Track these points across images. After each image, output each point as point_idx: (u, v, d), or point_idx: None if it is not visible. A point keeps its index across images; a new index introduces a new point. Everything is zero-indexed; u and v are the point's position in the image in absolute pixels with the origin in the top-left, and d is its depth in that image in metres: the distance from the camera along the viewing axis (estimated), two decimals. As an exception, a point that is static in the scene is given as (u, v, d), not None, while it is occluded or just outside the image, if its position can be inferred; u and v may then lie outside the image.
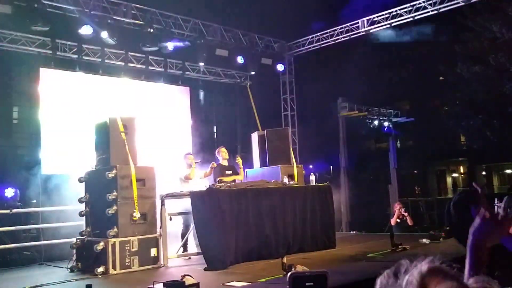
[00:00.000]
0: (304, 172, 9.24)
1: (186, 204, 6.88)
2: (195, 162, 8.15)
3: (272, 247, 7.00)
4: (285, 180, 7.88)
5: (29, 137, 12.82)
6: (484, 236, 1.28)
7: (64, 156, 10.30)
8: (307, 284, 0.97)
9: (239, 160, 8.52)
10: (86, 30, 9.89)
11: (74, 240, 6.98)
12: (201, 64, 12.25)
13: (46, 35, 10.27)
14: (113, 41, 10.34)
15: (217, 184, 7.06)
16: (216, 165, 8.20)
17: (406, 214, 10.44)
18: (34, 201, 10.03)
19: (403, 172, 18.25)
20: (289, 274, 0.98)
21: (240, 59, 12.51)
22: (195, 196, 6.65)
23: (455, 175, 25.83)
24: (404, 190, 16.86)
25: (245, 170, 8.90)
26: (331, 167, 17.74)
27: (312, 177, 8.39)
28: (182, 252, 7.35)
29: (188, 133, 12.53)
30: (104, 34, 10.23)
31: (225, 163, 8.40)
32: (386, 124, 16.42)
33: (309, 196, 7.74)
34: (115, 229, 6.38)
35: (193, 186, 7.63)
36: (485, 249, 1.28)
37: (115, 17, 10.55)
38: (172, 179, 8.56)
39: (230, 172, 8.23)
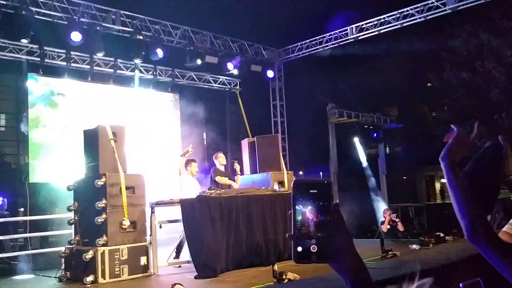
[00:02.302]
0: (294, 178, 9.24)
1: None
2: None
3: (263, 254, 6.98)
4: (276, 187, 7.86)
5: (16, 144, 12.73)
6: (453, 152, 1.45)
7: (52, 164, 10.21)
8: (311, 191, 0.97)
9: (236, 167, 8.52)
10: (75, 36, 9.83)
11: (62, 249, 6.90)
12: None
13: (34, 42, 10.20)
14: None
15: (207, 191, 7.04)
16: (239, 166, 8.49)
17: (397, 220, 10.46)
18: (22, 209, 9.91)
19: (392, 178, 18.34)
20: (293, 181, 0.98)
21: (230, 66, 12.52)
22: (185, 204, 6.61)
23: (443, 180, 26.02)
24: (394, 196, 16.92)
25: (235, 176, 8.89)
26: (321, 173, 17.76)
27: (303, 184, 8.37)
28: (175, 258, 7.30)
29: (178, 140, 12.49)
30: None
31: (222, 168, 8.42)
32: (375, 130, 16.51)
33: (299, 203, 7.71)
34: (105, 238, 6.32)
35: (190, 186, 7.63)
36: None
37: (104, 24, 10.51)
38: (161, 186, 8.53)
39: (226, 178, 8.28)
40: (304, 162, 15.51)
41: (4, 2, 9.05)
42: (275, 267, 5.60)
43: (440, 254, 6.40)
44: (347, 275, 1.01)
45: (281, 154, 9.57)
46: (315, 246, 0.96)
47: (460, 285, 1.68)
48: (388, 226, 10.41)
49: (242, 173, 8.75)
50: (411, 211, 16.66)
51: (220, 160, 8.43)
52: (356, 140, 16.81)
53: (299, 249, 0.96)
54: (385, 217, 10.72)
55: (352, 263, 1.01)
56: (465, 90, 15.21)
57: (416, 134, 20.06)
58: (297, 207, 0.96)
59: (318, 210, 0.96)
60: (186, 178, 7.87)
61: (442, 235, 8.46)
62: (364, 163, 17.08)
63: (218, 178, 8.13)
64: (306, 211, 0.96)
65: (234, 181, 8.32)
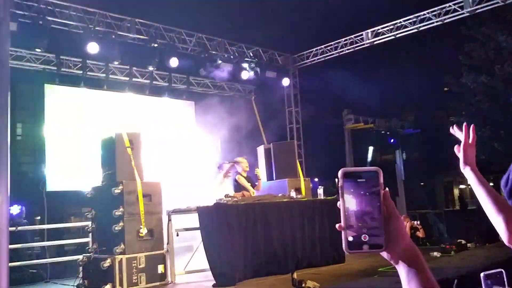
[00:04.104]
0: (311, 185, 9.14)
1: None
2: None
3: (281, 262, 6.88)
4: (293, 194, 7.78)
5: (33, 153, 12.81)
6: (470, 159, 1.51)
7: (69, 172, 10.24)
8: (359, 180, 0.95)
9: (258, 172, 8.43)
10: (92, 48, 9.89)
11: (79, 257, 6.88)
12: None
13: (50, 51, 10.28)
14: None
15: (224, 198, 6.98)
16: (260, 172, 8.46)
17: (419, 226, 10.25)
18: (38, 217, 9.95)
19: (410, 184, 18.10)
20: (340, 170, 0.96)
21: (245, 74, 12.49)
22: (202, 212, 6.55)
23: (462, 186, 25.62)
24: (412, 202, 16.68)
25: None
26: (336, 180, 17.56)
27: (320, 191, 8.28)
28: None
29: (193, 147, 12.47)
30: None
31: (245, 174, 8.29)
32: (392, 136, 16.33)
33: (317, 210, 7.62)
34: (122, 246, 6.28)
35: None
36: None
37: (119, 33, 10.56)
38: (177, 193, 8.47)
39: (249, 184, 8.21)
40: (320, 168, 15.38)
41: (21, 12, 9.14)
42: (295, 275, 5.50)
43: (463, 262, 6.24)
44: (401, 264, 0.96)
45: (297, 160, 9.49)
46: (366, 235, 0.94)
47: (481, 274, 1.64)
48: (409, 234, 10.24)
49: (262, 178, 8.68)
50: (430, 218, 16.39)
51: (243, 166, 8.26)
52: (370, 149, 16.66)
53: (350, 239, 0.94)
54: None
55: (406, 250, 0.96)
56: (484, 94, 14.97)
57: (433, 139, 19.81)
58: (345, 196, 0.94)
59: (368, 199, 0.94)
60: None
61: (463, 242, 8.29)
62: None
63: (226, 194, 7.95)
64: (355, 201, 0.94)
65: (255, 186, 8.24)
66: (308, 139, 14.38)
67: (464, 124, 1.85)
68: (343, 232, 0.94)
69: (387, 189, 0.96)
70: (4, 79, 4.79)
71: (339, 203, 0.95)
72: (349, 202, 0.95)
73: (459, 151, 1.49)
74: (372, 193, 0.95)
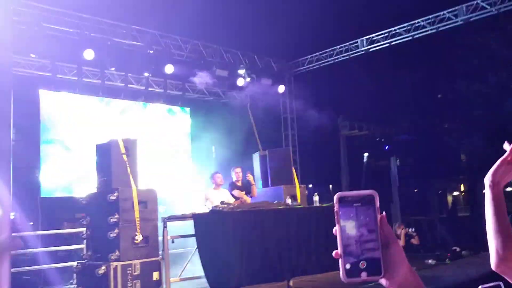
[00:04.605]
0: (306, 192, 9.16)
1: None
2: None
3: (277, 269, 6.87)
4: (288, 201, 7.80)
5: (27, 158, 12.74)
6: (499, 176, 1.35)
7: (64, 178, 10.20)
8: (355, 204, 0.92)
9: (250, 177, 8.51)
10: (88, 54, 9.88)
11: (74, 263, 6.84)
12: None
13: (45, 57, 10.26)
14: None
15: (220, 206, 6.97)
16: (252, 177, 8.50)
17: (414, 234, 10.26)
18: (32, 223, 9.89)
19: (404, 190, 18.14)
20: (336, 194, 0.93)
21: (240, 81, 12.51)
22: (198, 218, 6.54)
23: (455, 193, 25.71)
24: (406, 209, 16.71)
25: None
26: (330, 186, 17.63)
27: (316, 198, 8.30)
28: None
29: (188, 154, 12.47)
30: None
31: (239, 183, 8.45)
32: (387, 142, 16.40)
33: (313, 217, 7.63)
34: (117, 253, 6.25)
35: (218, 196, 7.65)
36: (502, 188, 1.36)
37: (115, 39, 10.56)
38: (171, 200, 8.49)
39: (243, 192, 8.33)
40: (315, 174, 15.39)
41: (16, 18, 9.12)
42: (291, 282, 5.50)
43: (458, 271, 6.26)
44: None
45: (293, 167, 9.51)
46: (364, 262, 0.91)
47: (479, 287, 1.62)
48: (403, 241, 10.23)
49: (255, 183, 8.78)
50: (424, 225, 16.42)
51: (237, 175, 8.46)
52: (365, 155, 16.70)
53: (348, 266, 0.91)
54: (398, 232, 10.51)
55: (405, 277, 0.94)
56: (478, 101, 15.08)
57: (427, 146, 19.90)
58: (341, 222, 0.92)
59: (365, 224, 0.92)
60: (212, 191, 7.93)
61: (458, 249, 8.31)
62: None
63: (237, 193, 8.14)
64: (352, 226, 0.92)
65: (250, 193, 8.32)
66: (303, 145, 14.41)
67: None
68: (340, 260, 0.91)
69: (384, 213, 0.95)
70: (7, 86, 4.81)
71: (335, 229, 0.93)
72: (346, 228, 0.92)
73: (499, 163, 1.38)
74: (369, 218, 0.92)
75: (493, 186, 1.33)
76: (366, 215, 0.92)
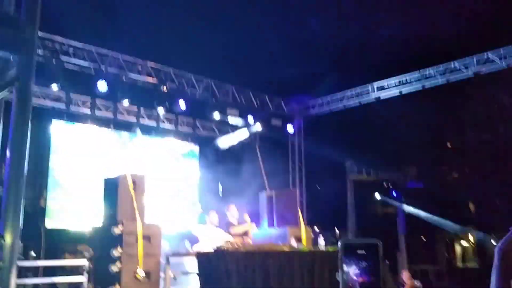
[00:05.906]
0: (312, 236, 9.06)
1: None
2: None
3: (279, 313, 6.74)
4: (293, 242, 7.72)
5: (33, 188, 12.78)
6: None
7: (70, 210, 10.21)
8: (358, 251, 0.92)
9: (247, 219, 8.51)
10: (101, 86, 10.06)
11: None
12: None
13: (61, 89, 10.45)
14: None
15: (225, 245, 6.93)
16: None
17: (418, 285, 10.01)
18: (33, 253, 9.82)
19: (411, 238, 17.88)
20: (340, 241, 0.93)
21: (251, 119, 12.64)
22: (201, 257, 6.48)
23: (464, 243, 25.22)
24: (413, 257, 16.43)
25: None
26: (336, 229, 17.37)
27: (321, 241, 8.20)
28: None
29: (196, 190, 12.47)
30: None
31: (235, 221, 8.50)
32: (395, 188, 16.29)
33: (317, 261, 7.52)
34: (118, 287, 6.18)
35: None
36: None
37: (130, 75, 10.77)
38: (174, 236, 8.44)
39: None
40: (321, 217, 15.24)
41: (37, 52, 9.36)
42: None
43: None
44: None
45: (299, 209, 9.44)
46: None
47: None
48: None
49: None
50: (431, 274, 16.11)
51: (232, 213, 8.51)
52: (376, 194, 16.59)
53: None
54: (403, 281, 10.29)
55: None
56: (487, 153, 15.04)
57: (436, 194, 19.72)
58: (345, 267, 0.93)
59: (367, 271, 0.93)
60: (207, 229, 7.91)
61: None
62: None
63: (234, 231, 8.12)
64: (355, 273, 0.93)
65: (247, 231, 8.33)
66: (310, 187, 14.36)
67: None
68: None
69: (386, 262, 0.95)
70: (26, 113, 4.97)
71: (338, 275, 0.93)
72: (349, 274, 0.93)
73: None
74: (371, 266, 0.93)
75: (503, 255, 1.33)
76: (368, 262, 0.93)
